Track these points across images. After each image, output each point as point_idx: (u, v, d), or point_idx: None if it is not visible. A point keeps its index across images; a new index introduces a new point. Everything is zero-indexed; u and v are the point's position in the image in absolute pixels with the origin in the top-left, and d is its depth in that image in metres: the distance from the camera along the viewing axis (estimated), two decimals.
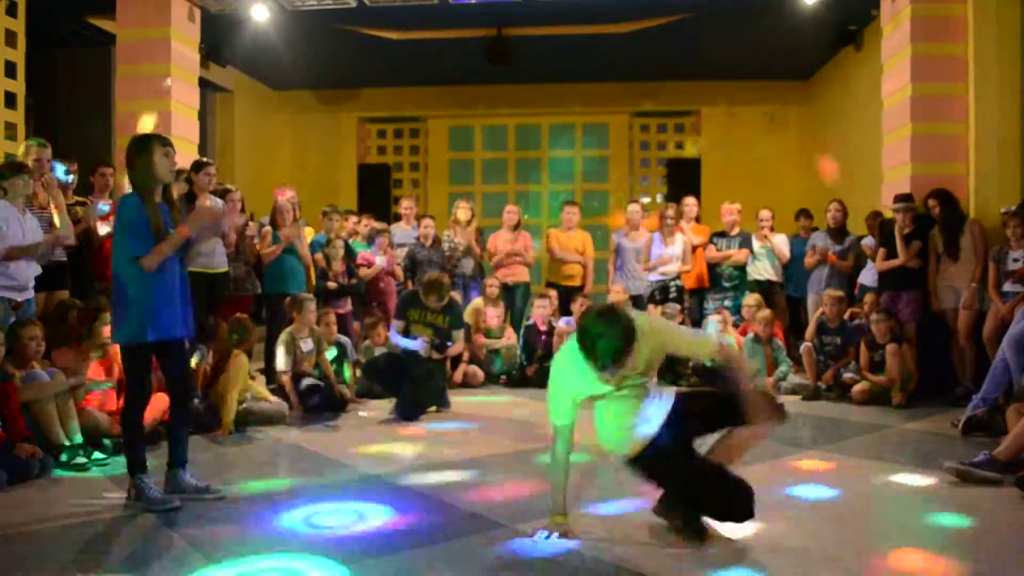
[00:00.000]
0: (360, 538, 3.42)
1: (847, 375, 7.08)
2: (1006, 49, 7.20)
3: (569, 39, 10.37)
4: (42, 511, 3.85)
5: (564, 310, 8.43)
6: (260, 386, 6.32)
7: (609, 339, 3.17)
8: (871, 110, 8.95)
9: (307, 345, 6.49)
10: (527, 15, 9.62)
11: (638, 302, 8.50)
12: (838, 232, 8.31)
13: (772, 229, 8.66)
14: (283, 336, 6.48)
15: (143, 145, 3.96)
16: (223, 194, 7.17)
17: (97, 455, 4.73)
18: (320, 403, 6.42)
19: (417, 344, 6.43)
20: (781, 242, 8.61)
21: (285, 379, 6.36)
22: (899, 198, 7.31)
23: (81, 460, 4.60)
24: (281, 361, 6.39)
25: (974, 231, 6.92)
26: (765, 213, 8.67)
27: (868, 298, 7.47)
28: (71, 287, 6.22)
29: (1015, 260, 6.41)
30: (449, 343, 6.63)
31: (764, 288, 8.44)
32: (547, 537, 3.32)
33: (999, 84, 7.20)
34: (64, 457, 4.59)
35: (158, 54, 8.18)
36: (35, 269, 5.43)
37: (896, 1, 7.76)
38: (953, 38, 7.37)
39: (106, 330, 5.14)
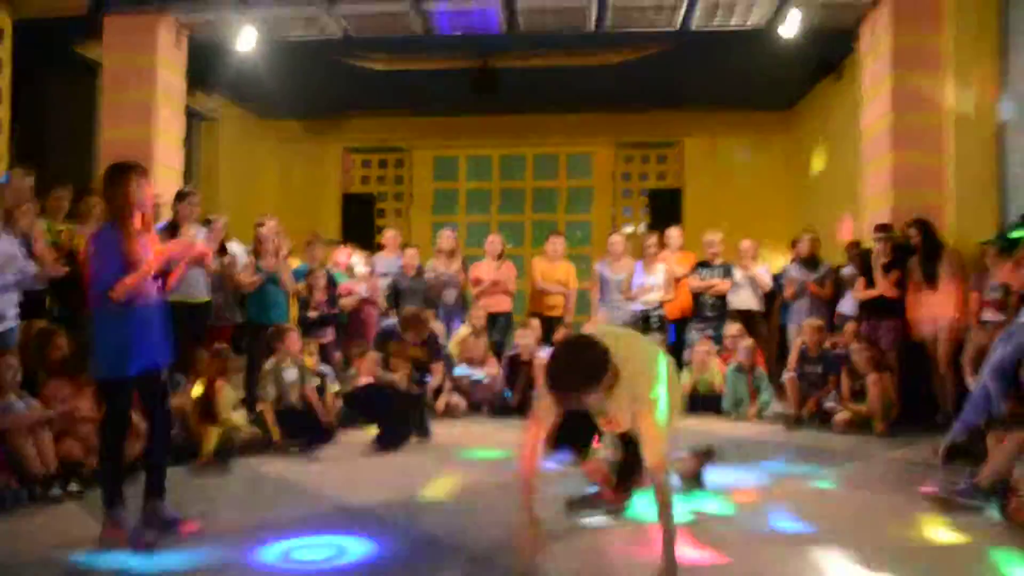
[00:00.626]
0: (340, 572, 3.38)
1: (829, 404, 7.10)
2: (985, 79, 7.32)
3: (553, 70, 10.46)
4: (16, 543, 3.79)
5: (547, 340, 8.42)
6: (239, 417, 6.26)
7: (572, 373, 3.11)
8: (852, 139, 9.05)
9: (291, 375, 6.43)
10: (511, 46, 9.71)
11: None
12: (810, 261, 8.36)
13: (754, 259, 8.70)
14: (267, 366, 6.43)
15: (119, 173, 3.94)
16: (206, 223, 7.15)
17: (73, 487, 4.66)
18: (304, 434, 6.36)
19: (396, 381, 6.42)
20: (763, 272, 8.65)
21: (267, 409, 6.28)
22: (879, 228, 7.38)
23: (56, 492, 4.54)
24: (266, 391, 6.32)
25: (952, 259, 6.98)
26: (746, 243, 8.71)
27: (848, 327, 7.50)
28: (60, 315, 6.14)
29: (994, 289, 6.47)
30: (428, 377, 6.61)
31: (746, 317, 8.47)
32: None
33: (977, 114, 7.30)
34: (39, 489, 4.52)
35: (144, 81, 8.20)
36: (14, 299, 5.38)
37: (875, 32, 7.89)
38: (932, 68, 7.48)
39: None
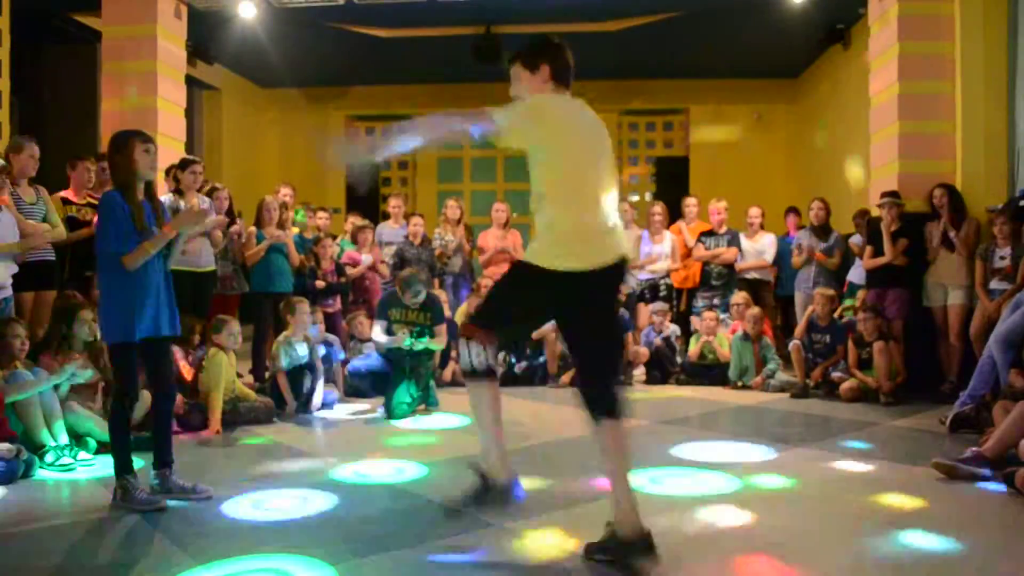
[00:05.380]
0: (348, 538, 3.40)
1: (836, 373, 7.10)
2: (993, 47, 7.23)
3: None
4: (27, 513, 3.81)
5: None
6: (243, 386, 6.27)
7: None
8: (859, 108, 8.97)
9: (302, 349, 6.45)
10: (516, 13, 9.61)
11: (628, 299, 8.52)
12: (822, 230, 8.33)
13: (762, 227, 8.68)
14: (280, 339, 6.46)
15: (123, 141, 3.92)
16: (210, 192, 7.12)
17: (83, 455, 4.69)
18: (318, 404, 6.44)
19: (396, 340, 6.47)
20: (768, 243, 8.61)
21: (281, 379, 6.32)
22: (885, 195, 7.33)
23: (66, 461, 4.57)
24: (280, 362, 6.35)
25: (971, 228, 6.95)
26: (754, 211, 8.68)
27: (861, 294, 7.50)
28: (74, 286, 6.14)
29: (1001, 258, 6.46)
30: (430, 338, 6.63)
31: (753, 286, 8.46)
32: None
33: (986, 82, 7.23)
34: (50, 458, 4.55)
35: (144, 51, 8.12)
36: (11, 268, 5.37)
37: (884, 0, 7.78)
38: (941, 36, 7.39)
39: (88, 331, 5.19)
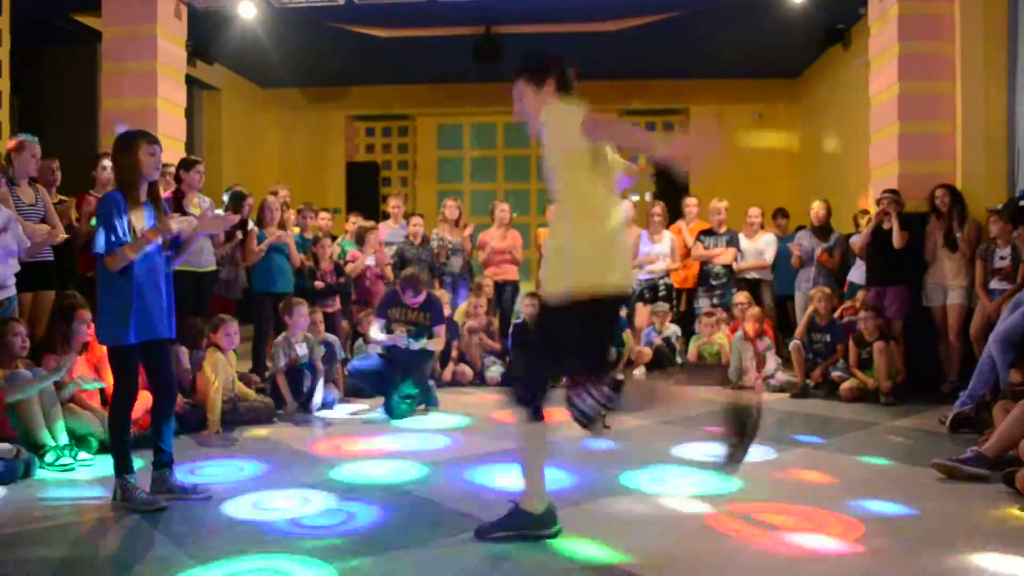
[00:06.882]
0: (348, 538, 3.40)
1: (836, 373, 7.09)
2: (993, 47, 7.23)
3: (558, 37, 10.36)
4: (27, 512, 3.81)
5: None
6: (243, 386, 6.28)
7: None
8: (859, 108, 8.97)
9: (301, 349, 6.45)
10: (516, 13, 9.62)
11: (626, 300, 8.51)
12: (822, 230, 8.32)
13: (762, 227, 8.67)
14: (279, 340, 6.47)
15: (128, 142, 3.91)
16: (240, 198, 7.08)
17: (82, 455, 4.69)
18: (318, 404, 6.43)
19: (393, 338, 6.47)
20: (768, 242, 8.59)
21: (280, 379, 6.33)
22: (887, 191, 7.33)
23: (66, 461, 4.57)
24: (278, 362, 6.36)
25: (972, 229, 6.94)
26: (754, 211, 8.68)
27: (861, 294, 7.50)
28: (76, 287, 6.12)
29: (1002, 258, 6.46)
30: (423, 339, 6.64)
31: (753, 286, 8.46)
32: None
33: (986, 82, 7.23)
34: (50, 458, 4.55)
35: (144, 51, 8.12)
36: (14, 267, 5.36)
37: (884, 0, 7.78)
38: (940, 36, 7.39)
39: (86, 330, 5.16)
